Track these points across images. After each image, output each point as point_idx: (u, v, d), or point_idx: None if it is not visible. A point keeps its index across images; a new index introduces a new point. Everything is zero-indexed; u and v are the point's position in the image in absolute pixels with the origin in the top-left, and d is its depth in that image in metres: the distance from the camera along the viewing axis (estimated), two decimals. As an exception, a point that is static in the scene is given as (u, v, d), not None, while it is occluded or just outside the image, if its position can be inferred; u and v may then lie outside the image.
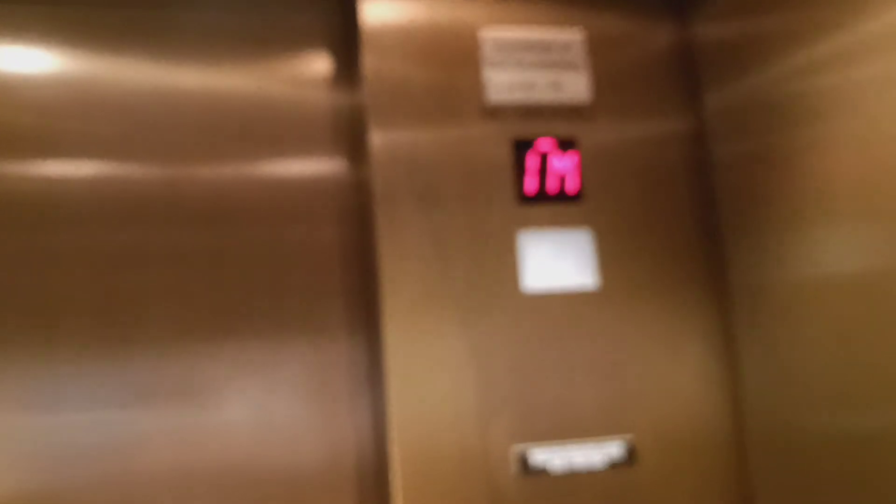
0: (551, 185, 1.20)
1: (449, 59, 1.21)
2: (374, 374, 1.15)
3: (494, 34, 1.23)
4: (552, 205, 1.20)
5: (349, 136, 1.28)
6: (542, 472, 1.05)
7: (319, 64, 1.31)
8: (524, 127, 1.22)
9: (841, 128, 0.99)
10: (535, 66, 1.24)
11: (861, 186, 0.96)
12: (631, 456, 1.10)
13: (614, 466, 1.09)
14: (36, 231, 1.16)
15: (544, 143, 1.21)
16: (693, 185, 1.26)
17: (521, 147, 1.21)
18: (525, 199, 1.19)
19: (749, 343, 1.17)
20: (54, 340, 1.13)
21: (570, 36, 1.25)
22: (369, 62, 1.18)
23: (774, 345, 1.10)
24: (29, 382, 1.10)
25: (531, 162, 1.20)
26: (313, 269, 1.22)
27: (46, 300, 1.14)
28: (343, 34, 1.31)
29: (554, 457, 1.07)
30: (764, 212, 1.14)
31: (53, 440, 1.08)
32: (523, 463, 1.05)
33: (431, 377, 1.08)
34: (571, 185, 1.21)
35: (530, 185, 1.20)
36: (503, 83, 1.22)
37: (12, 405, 1.09)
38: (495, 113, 1.21)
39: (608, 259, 1.19)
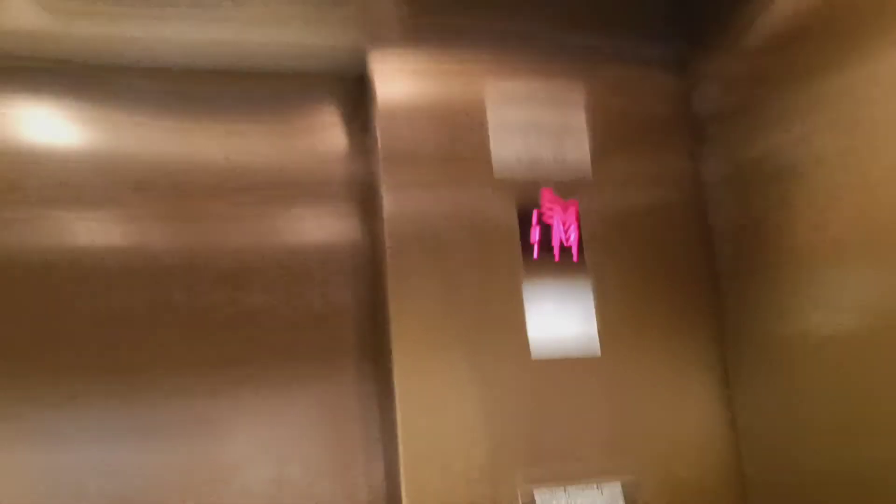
0: (555, 248, 1.25)
1: (457, 131, 1.28)
2: (386, 425, 1.17)
3: (500, 108, 1.30)
4: (556, 265, 1.24)
5: (363, 201, 1.34)
6: None
7: (336, 134, 1.38)
8: (529, 193, 1.27)
9: (833, 184, 1.04)
10: (538, 136, 1.31)
11: (853, 241, 1.01)
12: (633, 499, 1.10)
13: None
14: (59, 289, 1.20)
15: (548, 208, 1.27)
16: (692, 239, 1.30)
17: (526, 211, 1.26)
18: (530, 261, 1.24)
19: (747, 392, 1.19)
20: (72, 390, 1.15)
21: (573, 110, 1.33)
22: (383, 133, 1.25)
23: (771, 394, 1.13)
24: (41, 421, 1.13)
25: (535, 225, 1.26)
26: (328, 325, 1.26)
27: (66, 353, 1.17)
28: (359, 107, 1.38)
29: (559, 500, 1.07)
30: (759, 265, 1.18)
31: (63, 480, 1.11)
32: None
33: (441, 427, 1.10)
34: (574, 247, 1.26)
35: (535, 247, 1.25)
36: (508, 152, 1.29)
37: (26, 444, 1.11)
38: (501, 180, 1.27)
39: (611, 313, 1.23)
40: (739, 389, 1.21)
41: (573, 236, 1.26)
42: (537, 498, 1.09)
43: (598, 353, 1.21)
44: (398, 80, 1.28)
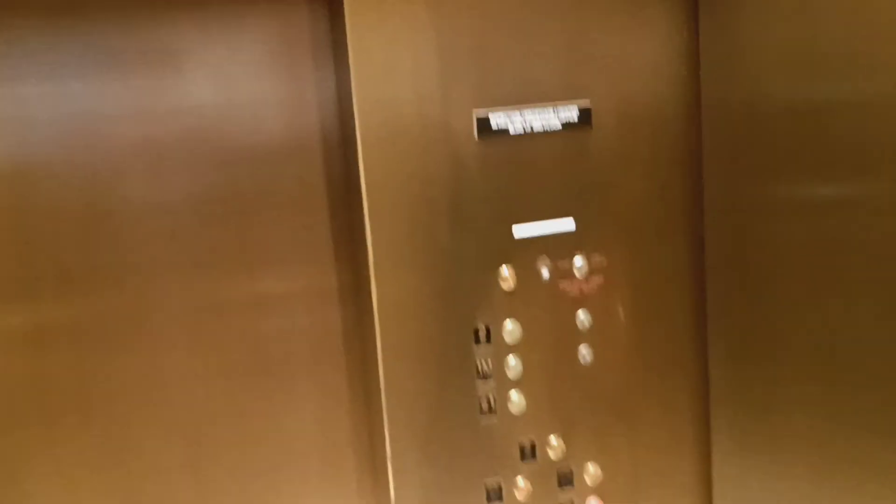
0: None
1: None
2: (338, 51, 1.10)
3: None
4: None
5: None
6: (501, 135, 1.05)
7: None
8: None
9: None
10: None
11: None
12: (587, 119, 1.09)
13: (571, 128, 1.09)
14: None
15: None
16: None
17: None
18: None
19: (709, 15, 1.13)
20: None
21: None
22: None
23: (734, 17, 1.06)
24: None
25: None
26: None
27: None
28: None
29: (513, 120, 1.08)
30: None
31: (18, 112, 1.00)
32: (483, 127, 1.06)
33: (394, 51, 1.03)
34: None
35: None
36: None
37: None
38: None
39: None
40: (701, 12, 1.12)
41: None
42: (492, 119, 1.09)
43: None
44: None
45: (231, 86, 1.09)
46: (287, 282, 1.09)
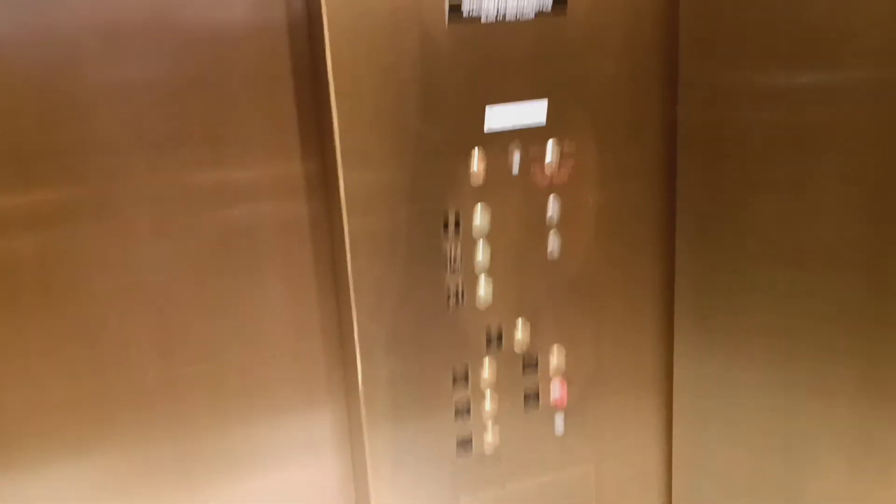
0: None
1: None
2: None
3: None
4: None
5: None
6: (472, 22, 1.06)
7: None
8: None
9: None
10: None
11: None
12: (562, 5, 1.08)
13: (545, 14, 1.10)
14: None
15: None
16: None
17: None
18: None
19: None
20: None
21: None
22: None
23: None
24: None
25: None
26: None
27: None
28: None
29: (485, 6, 1.08)
30: None
31: None
32: (455, 13, 1.06)
33: None
34: None
35: None
36: None
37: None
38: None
39: None
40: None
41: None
42: (464, 5, 1.05)
43: None
44: None
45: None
46: (252, 169, 1.06)
